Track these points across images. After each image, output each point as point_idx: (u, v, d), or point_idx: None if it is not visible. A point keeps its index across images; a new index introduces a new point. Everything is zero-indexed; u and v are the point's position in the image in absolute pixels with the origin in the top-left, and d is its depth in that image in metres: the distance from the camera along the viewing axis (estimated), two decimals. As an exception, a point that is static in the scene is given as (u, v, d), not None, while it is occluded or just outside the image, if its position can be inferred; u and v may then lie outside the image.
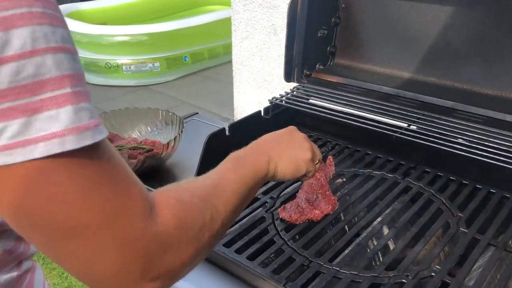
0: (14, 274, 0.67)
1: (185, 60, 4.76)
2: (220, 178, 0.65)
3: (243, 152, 0.76)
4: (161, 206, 0.50)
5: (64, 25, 0.46)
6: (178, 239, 0.51)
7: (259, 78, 3.04)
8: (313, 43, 1.38)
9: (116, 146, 1.20)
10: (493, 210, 1.01)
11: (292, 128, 0.88)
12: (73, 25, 4.47)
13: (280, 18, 2.73)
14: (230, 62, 3.55)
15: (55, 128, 0.43)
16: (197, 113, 1.65)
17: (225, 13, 5.08)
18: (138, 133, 1.36)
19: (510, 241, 0.92)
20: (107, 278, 0.48)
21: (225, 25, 4.92)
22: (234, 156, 0.73)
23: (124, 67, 4.52)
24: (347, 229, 1.01)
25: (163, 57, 4.62)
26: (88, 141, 0.44)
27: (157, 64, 4.56)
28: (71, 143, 0.43)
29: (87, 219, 0.45)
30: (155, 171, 1.25)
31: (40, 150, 0.42)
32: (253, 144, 0.80)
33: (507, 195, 1.05)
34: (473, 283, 0.82)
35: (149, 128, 1.38)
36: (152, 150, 1.19)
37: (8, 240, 0.66)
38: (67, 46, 0.45)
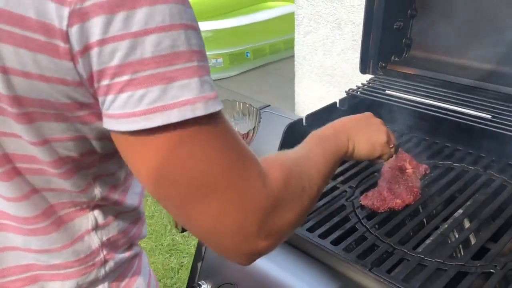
0: (126, 254, 0.74)
1: (247, 55, 4.84)
2: (309, 152, 0.69)
3: (325, 131, 0.78)
4: (269, 171, 0.55)
5: (190, 6, 0.51)
6: (286, 199, 0.56)
7: (321, 72, 3.05)
8: (389, 35, 1.38)
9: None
10: None
11: (368, 114, 0.91)
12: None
13: (345, 12, 2.73)
14: (291, 57, 3.56)
15: (186, 96, 0.48)
16: (269, 105, 1.69)
17: (286, 9, 5.11)
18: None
19: None
20: (228, 235, 0.52)
21: (286, 21, 4.96)
22: (316, 133, 0.76)
23: (188, 63, 4.65)
24: (427, 220, 1.01)
25: (226, 53, 4.71)
26: (212, 109, 0.49)
27: (220, 60, 4.66)
28: (200, 110, 0.48)
29: (221, 176, 0.50)
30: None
31: (175, 115, 0.47)
32: (332, 124, 0.82)
33: None
34: None
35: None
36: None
37: (124, 222, 0.72)
38: (194, 24, 0.50)
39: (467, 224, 1.03)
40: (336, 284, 0.88)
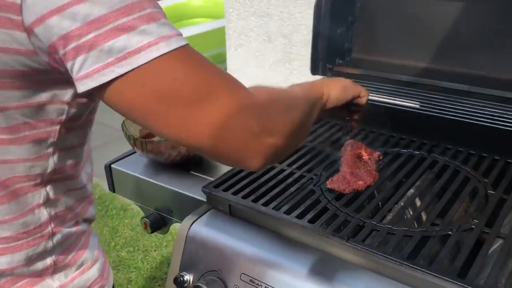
0: (73, 229, 0.78)
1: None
2: (290, 91, 0.80)
3: (300, 84, 0.89)
4: (254, 89, 0.64)
5: None
6: (272, 108, 0.65)
7: (254, 84, 3.17)
8: (333, 40, 1.51)
9: (159, 140, 1.29)
10: (513, 175, 1.15)
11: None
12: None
13: (275, 26, 2.87)
14: (222, 71, 3.63)
15: (148, 39, 0.54)
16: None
17: (213, 24, 5.22)
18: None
19: (533, 199, 1.06)
20: (237, 133, 0.59)
21: (214, 36, 5.06)
22: (293, 84, 0.87)
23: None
24: (387, 197, 1.13)
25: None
26: (175, 45, 0.56)
27: (150, 75, 4.64)
28: (164, 48, 0.55)
29: (209, 87, 0.57)
30: (197, 159, 1.35)
31: (143, 57, 0.54)
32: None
33: (523, 163, 1.19)
34: (508, 230, 0.95)
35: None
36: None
37: (72, 199, 0.76)
38: None
39: (424, 197, 1.16)
40: (317, 259, 0.96)
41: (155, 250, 2.65)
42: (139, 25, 0.54)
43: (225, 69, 3.15)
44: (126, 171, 1.33)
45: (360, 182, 1.11)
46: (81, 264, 0.80)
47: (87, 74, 0.54)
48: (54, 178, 0.72)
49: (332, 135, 1.40)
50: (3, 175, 0.67)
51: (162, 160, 1.30)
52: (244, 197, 1.09)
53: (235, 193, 1.10)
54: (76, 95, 0.65)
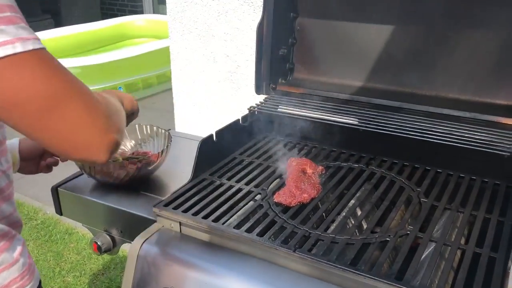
0: None
1: (120, 90, 4.81)
2: (110, 97, 0.86)
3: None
4: (95, 94, 0.74)
5: None
6: (111, 110, 0.75)
7: (199, 103, 3.20)
8: (276, 61, 1.58)
9: (113, 160, 1.30)
10: (442, 184, 1.25)
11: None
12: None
13: (218, 47, 2.93)
14: (165, 91, 3.64)
15: (5, 38, 0.61)
16: (170, 129, 1.78)
17: (157, 44, 5.22)
18: (124, 148, 1.47)
19: (459, 205, 1.16)
20: (87, 132, 0.67)
21: (158, 55, 5.06)
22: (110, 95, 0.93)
23: (58, 101, 4.47)
24: (330, 208, 1.20)
25: (97, 88, 4.63)
26: (32, 47, 0.63)
27: (93, 95, 4.57)
28: (19, 48, 0.62)
29: (63, 89, 0.65)
30: (145, 179, 1.37)
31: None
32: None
33: (451, 173, 1.30)
34: (440, 234, 1.04)
35: (133, 142, 1.49)
36: (146, 159, 1.31)
37: None
38: None
39: (364, 207, 1.24)
40: (267, 271, 1.01)
41: (103, 274, 2.59)
42: None
43: (171, 88, 3.17)
44: (74, 193, 1.32)
45: (305, 195, 1.18)
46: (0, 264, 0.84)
47: None
48: None
49: (277, 151, 1.46)
50: None
51: (111, 181, 1.31)
52: (194, 214, 1.12)
53: (185, 211, 1.13)
54: None
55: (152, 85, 5.12)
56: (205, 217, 1.11)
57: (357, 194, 1.23)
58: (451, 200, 1.18)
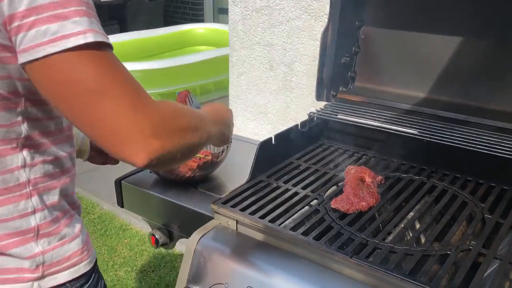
0: (54, 201, 0.88)
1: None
2: (198, 119, 0.84)
3: (205, 115, 0.93)
4: (161, 102, 0.73)
5: None
6: (171, 119, 0.72)
7: (254, 110, 3.24)
8: (337, 68, 1.58)
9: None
10: (509, 201, 1.20)
11: (221, 106, 1.06)
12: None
13: (277, 55, 2.96)
14: (221, 97, 3.70)
15: (79, 28, 0.65)
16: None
17: (216, 52, 5.34)
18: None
19: (527, 223, 1.11)
20: (128, 133, 0.66)
21: (216, 63, 5.17)
22: (199, 114, 0.91)
23: (119, 102, 4.66)
24: (388, 218, 1.17)
25: (157, 92, 4.79)
26: (101, 39, 0.67)
27: (152, 99, 4.72)
28: (91, 37, 0.65)
29: (113, 85, 0.66)
30: (204, 178, 1.40)
31: (72, 42, 0.64)
32: (206, 112, 0.96)
33: (518, 191, 1.25)
34: (505, 252, 1.00)
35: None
36: (207, 158, 1.34)
37: (46, 167, 0.86)
38: None
39: (424, 219, 1.20)
40: (321, 275, 1.00)
41: (153, 271, 2.65)
42: (73, 16, 0.65)
43: (227, 95, 3.23)
44: (136, 186, 1.37)
45: (363, 203, 1.16)
46: (63, 237, 0.89)
47: (25, 49, 0.65)
48: (27, 144, 0.82)
49: (334, 158, 1.45)
50: None
51: (172, 177, 1.35)
52: (251, 213, 1.13)
53: (242, 210, 1.14)
54: (23, 70, 0.75)
55: (210, 91, 5.22)
56: (262, 217, 1.12)
57: (417, 207, 1.20)
58: (518, 219, 1.13)
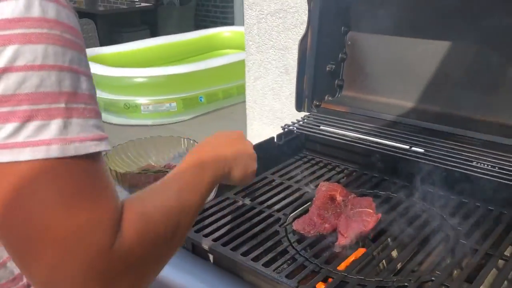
0: None
1: (201, 100, 4.94)
2: (182, 191, 0.66)
3: (204, 154, 0.79)
4: (126, 221, 0.53)
5: (79, 49, 0.52)
6: (140, 256, 0.54)
7: (271, 115, 3.17)
8: (322, 77, 1.50)
9: (142, 171, 1.31)
10: (491, 224, 1.09)
11: (240, 133, 0.94)
12: (95, 68, 4.70)
13: (292, 59, 2.88)
14: (243, 102, 3.67)
15: (42, 136, 0.48)
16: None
17: (238, 56, 5.30)
18: (162, 160, 1.47)
19: (505, 251, 1.00)
20: None
21: (238, 67, 5.14)
22: (195, 159, 0.76)
23: (142, 107, 4.71)
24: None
25: (179, 97, 4.81)
26: (71, 153, 0.49)
27: (174, 104, 4.74)
28: (55, 152, 0.48)
29: (60, 223, 0.48)
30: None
31: (26, 154, 0.47)
32: (211, 145, 0.85)
33: (505, 212, 1.13)
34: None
35: (171, 155, 1.48)
36: (175, 173, 1.29)
37: None
38: (74, 67, 0.51)
39: (391, 243, 1.11)
40: (267, 304, 0.93)
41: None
42: (39, 118, 0.48)
43: (244, 100, 3.18)
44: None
45: (326, 225, 1.08)
46: None
47: None
48: None
49: (312, 173, 1.37)
50: None
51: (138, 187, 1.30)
52: (206, 235, 1.08)
53: (197, 231, 1.09)
54: None
55: (232, 95, 5.20)
56: (216, 239, 1.06)
57: (391, 227, 1.11)
58: (497, 245, 1.02)
